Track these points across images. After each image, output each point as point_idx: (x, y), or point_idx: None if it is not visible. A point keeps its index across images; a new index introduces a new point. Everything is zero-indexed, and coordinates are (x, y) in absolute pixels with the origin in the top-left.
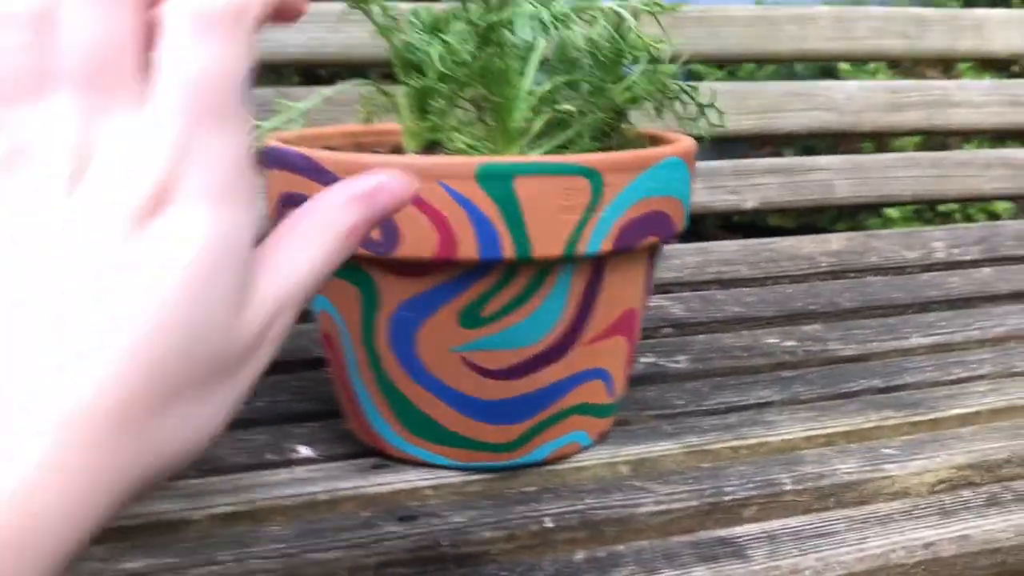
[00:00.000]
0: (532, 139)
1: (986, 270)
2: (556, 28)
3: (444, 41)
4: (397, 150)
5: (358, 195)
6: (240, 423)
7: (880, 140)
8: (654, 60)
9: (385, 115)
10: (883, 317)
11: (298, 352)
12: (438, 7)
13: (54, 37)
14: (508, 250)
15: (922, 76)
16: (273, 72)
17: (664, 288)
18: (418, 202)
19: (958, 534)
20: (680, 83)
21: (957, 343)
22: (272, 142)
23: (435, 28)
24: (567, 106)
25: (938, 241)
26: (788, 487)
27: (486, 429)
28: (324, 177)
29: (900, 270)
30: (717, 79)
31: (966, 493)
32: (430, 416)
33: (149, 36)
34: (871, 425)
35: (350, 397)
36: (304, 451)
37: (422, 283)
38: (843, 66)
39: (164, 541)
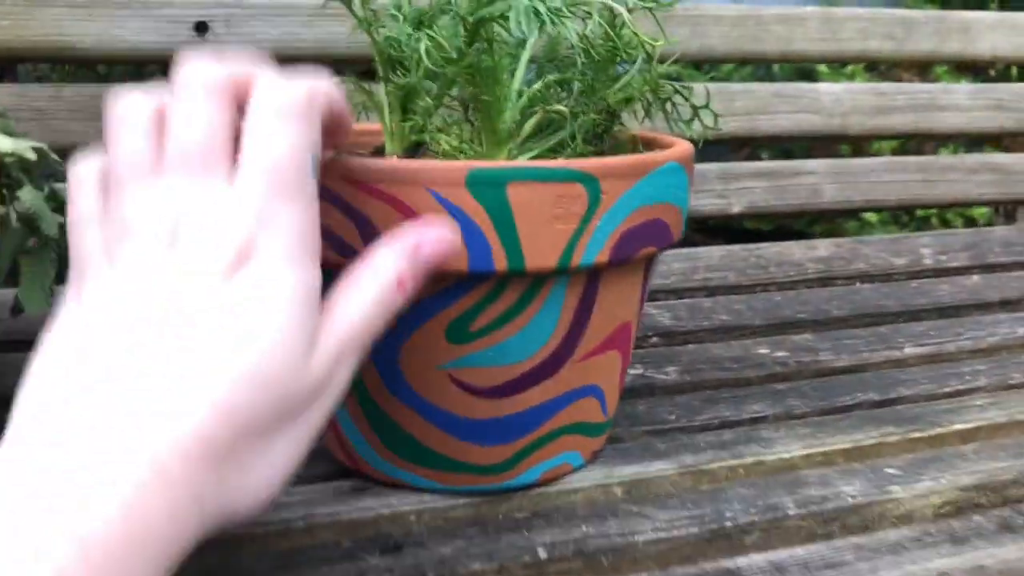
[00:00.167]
0: (522, 141)
1: (975, 277)
2: (552, 24)
3: (431, 36)
4: (379, 151)
5: (403, 248)
6: None
7: (858, 143)
8: (649, 59)
9: (364, 114)
10: (874, 326)
11: None
12: (421, 0)
13: (164, 131)
14: (499, 262)
15: (899, 79)
16: None
17: (650, 296)
18: (403, 208)
19: (973, 563)
20: (674, 83)
21: (950, 353)
22: None
23: (419, 22)
24: (560, 107)
25: (926, 248)
26: (791, 512)
27: (473, 450)
28: None
29: (888, 277)
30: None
31: (976, 518)
32: (414, 436)
33: (237, 125)
34: (871, 442)
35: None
36: None
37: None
38: (821, 68)
39: None
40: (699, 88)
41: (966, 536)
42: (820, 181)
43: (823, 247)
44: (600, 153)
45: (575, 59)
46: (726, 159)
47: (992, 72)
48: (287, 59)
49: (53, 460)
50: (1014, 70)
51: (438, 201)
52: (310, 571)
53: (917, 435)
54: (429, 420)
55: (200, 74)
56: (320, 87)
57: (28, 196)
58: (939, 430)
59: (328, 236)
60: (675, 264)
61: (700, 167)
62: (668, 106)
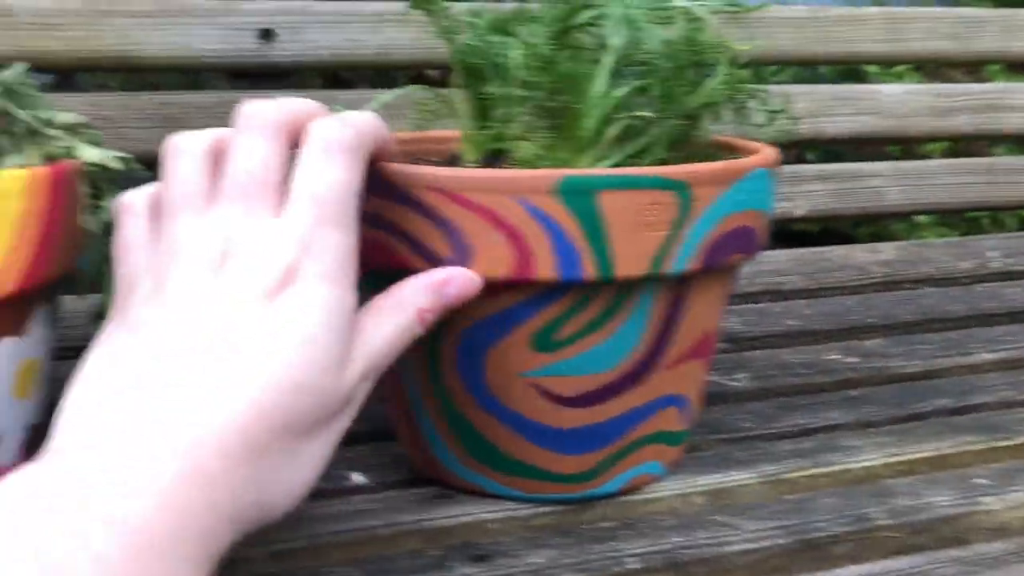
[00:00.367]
0: (604, 148)
1: None
2: (640, 29)
3: (524, 43)
4: (454, 159)
5: (429, 284)
6: None
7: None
8: (732, 63)
9: (438, 122)
10: (944, 331)
11: None
12: (500, 7)
13: (221, 164)
14: (589, 270)
15: (950, 79)
16: (295, 74)
17: None
18: (492, 217)
19: None
20: (754, 87)
21: None
22: None
23: (501, 29)
24: (644, 112)
25: (992, 251)
26: (881, 522)
27: (557, 459)
28: (386, 190)
29: (954, 281)
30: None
31: None
32: (497, 445)
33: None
34: (953, 451)
35: (410, 424)
36: (357, 478)
37: (493, 304)
38: (871, 69)
39: None
40: (776, 91)
41: None
42: (883, 184)
43: (887, 250)
44: (682, 159)
45: (653, 64)
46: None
47: None
48: (349, 65)
49: (95, 455)
50: None
51: (527, 210)
52: None
53: (1000, 444)
54: (513, 429)
55: (260, 113)
56: (368, 126)
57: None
58: (1023, 439)
59: (416, 245)
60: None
61: None
62: (741, 110)
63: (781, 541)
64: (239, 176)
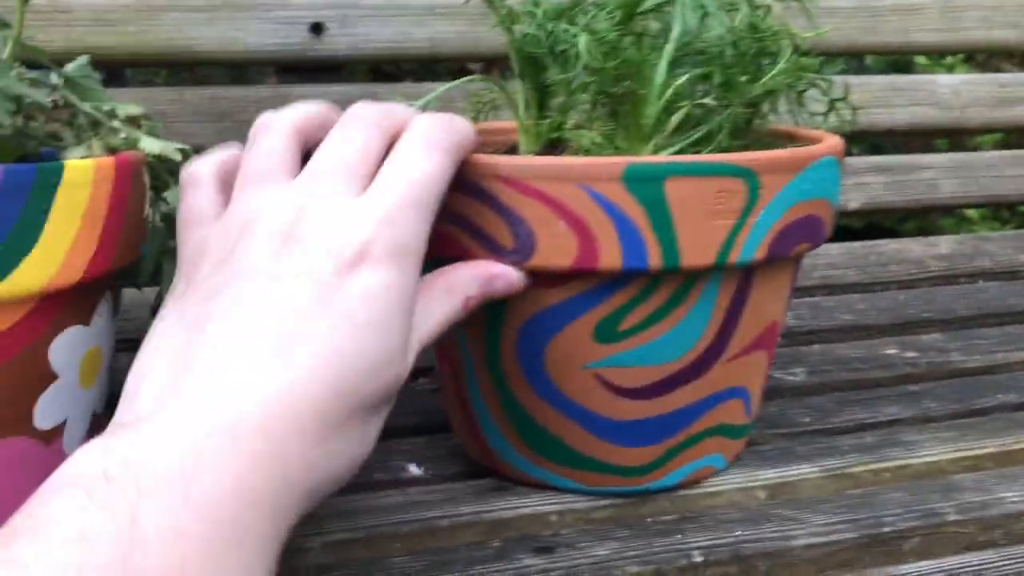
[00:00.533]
0: (666, 137)
1: None
2: (708, 15)
3: (590, 30)
4: (511, 150)
5: (481, 276)
6: None
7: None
8: (795, 51)
9: (493, 113)
10: (1003, 326)
11: None
12: None
13: (306, 143)
14: (654, 259)
15: (997, 69)
16: (344, 68)
17: None
18: (557, 206)
19: None
20: (816, 76)
21: None
22: None
23: (561, 17)
24: (708, 100)
25: None
26: (951, 517)
27: (618, 451)
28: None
29: (1013, 275)
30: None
31: None
32: (557, 436)
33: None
34: (1020, 447)
35: (467, 414)
36: (414, 470)
37: (555, 294)
38: (919, 60)
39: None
40: (838, 81)
41: None
42: (938, 176)
43: (944, 244)
44: (743, 148)
45: (716, 51)
46: None
47: None
48: (399, 59)
49: (172, 430)
50: None
51: (592, 198)
52: (464, 571)
53: None
54: (574, 420)
55: (365, 110)
56: (466, 130)
57: (174, 197)
58: None
59: (478, 235)
60: None
61: None
62: (799, 99)
63: (848, 535)
64: (331, 159)
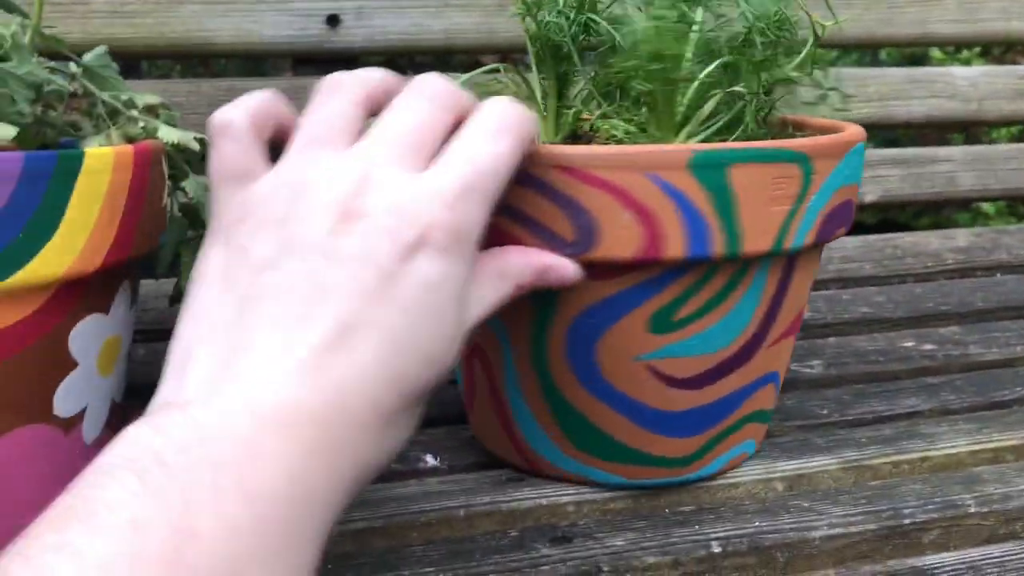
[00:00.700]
0: (695, 125)
1: None
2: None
3: (657, 16)
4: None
5: (534, 264)
6: None
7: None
8: (817, 40)
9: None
10: (1021, 319)
11: None
12: None
13: (372, 110)
14: (717, 246)
15: (1014, 62)
16: (360, 60)
17: None
18: (621, 195)
19: None
20: (824, 65)
21: None
22: None
23: (583, 7)
24: (739, 88)
25: None
26: (972, 509)
27: (665, 443)
28: None
29: None
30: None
31: None
32: (603, 430)
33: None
34: None
35: (501, 411)
36: (431, 460)
37: (611, 286)
38: (935, 53)
39: None
40: (834, 72)
41: None
42: (956, 169)
43: (961, 237)
44: (765, 136)
45: (739, 42)
46: None
47: None
48: (414, 51)
49: (225, 415)
50: None
51: (658, 186)
52: (481, 560)
53: None
54: (622, 413)
55: (433, 84)
56: (533, 118)
57: (192, 187)
58: None
59: (536, 227)
60: None
61: None
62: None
63: (868, 527)
64: (397, 129)
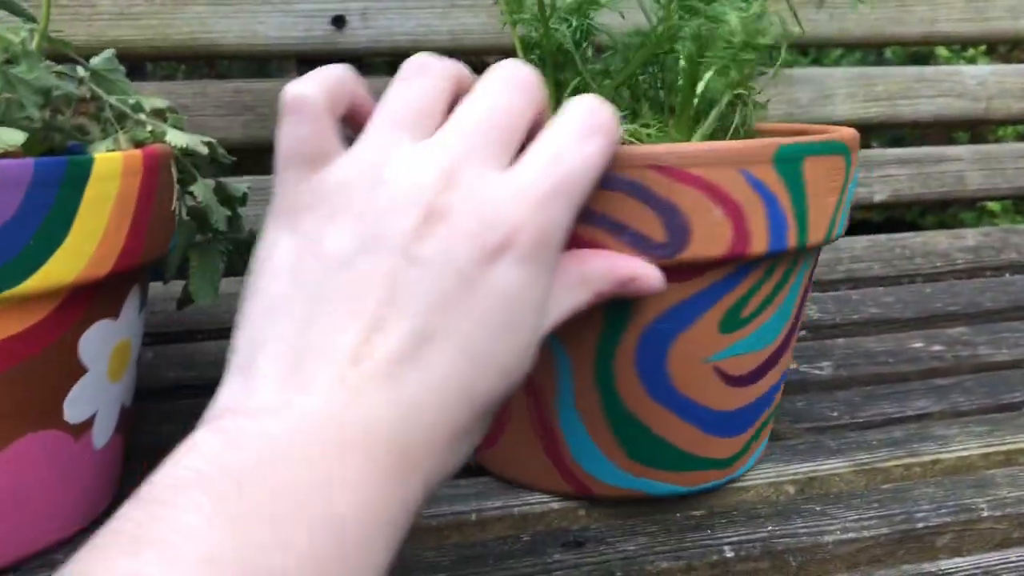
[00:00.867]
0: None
1: None
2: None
3: (741, 11)
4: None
5: (618, 274)
6: None
7: (978, 129)
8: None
9: None
10: None
11: None
12: None
13: (454, 96)
14: (792, 239)
15: (1019, 61)
16: (365, 62)
17: None
18: (714, 192)
19: None
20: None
21: None
22: None
23: (578, 13)
24: (741, 91)
25: None
26: (985, 513)
27: (717, 444)
28: None
29: None
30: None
31: None
32: (663, 438)
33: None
34: None
35: (544, 428)
36: None
37: (688, 287)
38: (941, 51)
39: None
40: (799, 73)
41: None
42: (965, 168)
43: (971, 236)
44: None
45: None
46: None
47: None
48: (421, 51)
49: (300, 434)
50: None
51: (748, 181)
52: (495, 565)
53: None
54: (684, 418)
55: (516, 70)
56: (617, 119)
57: (200, 191)
58: None
59: (620, 230)
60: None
61: None
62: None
63: (881, 531)
64: (482, 119)
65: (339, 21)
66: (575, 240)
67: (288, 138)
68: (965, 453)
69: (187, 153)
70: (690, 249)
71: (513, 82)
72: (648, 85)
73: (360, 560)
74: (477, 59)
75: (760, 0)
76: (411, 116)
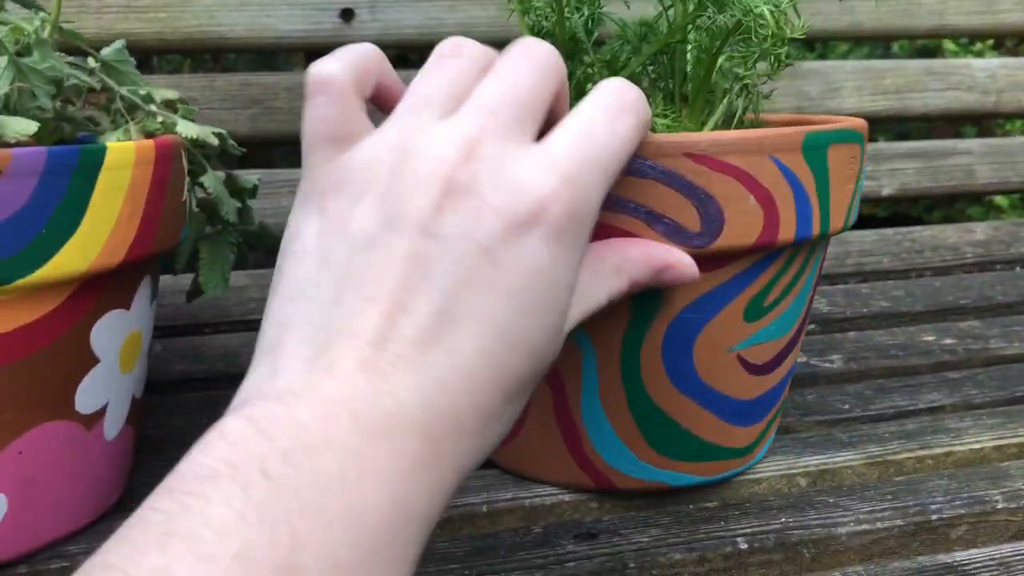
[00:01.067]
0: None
1: None
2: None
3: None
4: None
5: (654, 264)
6: None
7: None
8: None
9: None
10: None
11: None
12: None
13: (481, 75)
14: (816, 226)
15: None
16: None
17: None
18: (747, 180)
19: None
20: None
21: None
22: None
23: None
24: (754, 77)
25: None
26: (1000, 505)
27: (737, 433)
28: None
29: None
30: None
31: None
32: (687, 429)
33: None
34: None
35: (566, 420)
36: None
37: (717, 276)
38: (948, 46)
39: None
40: (807, 67)
41: None
42: (975, 161)
43: (980, 230)
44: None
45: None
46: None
47: None
48: (430, 45)
49: (327, 421)
50: None
51: (779, 168)
52: (507, 556)
53: None
54: (708, 408)
55: (537, 46)
56: (648, 105)
57: (211, 182)
58: None
59: (655, 219)
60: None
61: None
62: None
63: (895, 523)
64: (505, 92)
65: (348, 14)
66: (608, 229)
67: (314, 120)
68: (978, 445)
69: (198, 144)
70: (723, 237)
71: (533, 58)
72: (657, 75)
73: (387, 556)
74: None
75: None
76: (442, 97)
